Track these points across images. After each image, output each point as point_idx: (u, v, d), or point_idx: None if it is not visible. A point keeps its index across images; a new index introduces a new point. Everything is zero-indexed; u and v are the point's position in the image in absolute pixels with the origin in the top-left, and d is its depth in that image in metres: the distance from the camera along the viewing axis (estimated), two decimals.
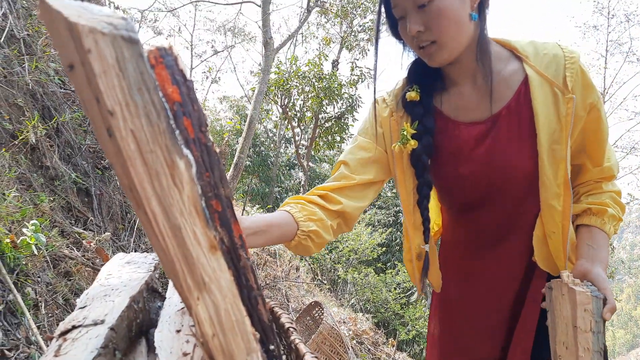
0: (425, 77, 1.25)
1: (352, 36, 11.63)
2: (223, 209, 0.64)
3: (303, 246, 1.16)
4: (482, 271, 1.37)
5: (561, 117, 1.10)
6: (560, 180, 1.14)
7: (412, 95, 1.23)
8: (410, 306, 9.88)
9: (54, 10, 0.42)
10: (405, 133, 1.22)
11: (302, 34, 14.05)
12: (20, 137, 2.81)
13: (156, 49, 0.56)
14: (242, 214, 6.91)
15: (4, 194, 2.24)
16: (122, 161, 0.47)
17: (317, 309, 3.51)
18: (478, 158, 1.19)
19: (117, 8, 6.58)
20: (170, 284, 0.75)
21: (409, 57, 1.27)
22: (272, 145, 14.74)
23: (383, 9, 1.16)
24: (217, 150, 0.67)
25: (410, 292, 10.42)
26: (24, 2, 3.98)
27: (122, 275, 0.74)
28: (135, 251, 3.47)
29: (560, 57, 1.12)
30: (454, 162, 1.23)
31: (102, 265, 2.61)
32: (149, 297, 0.65)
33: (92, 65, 0.43)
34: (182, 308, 0.62)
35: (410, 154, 1.25)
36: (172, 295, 0.66)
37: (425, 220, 1.32)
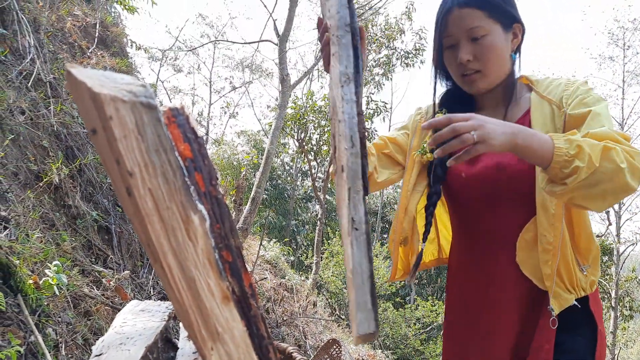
0: (455, 103, 1.39)
1: (367, 71, 11.83)
2: (233, 259, 0.65)
3: None
4: (479, 299, 1.34)
5: (557, 129, 1.21)
6: None
7: (439, 117, 1.36)
8: (431, 342, 9.65)
9: (78, 81, 0.46)
10: (425, 145, 1.36)
11: (318, 69, 14.33)
12: (45, 179, 2.90)
13: (169, 110, 0.59)
14: (259, 248, 6.93)
15: (27, 235, 2.29)
16: (140, 218, 0.50)
17: (334, 347, 3.46)
18: (485, 161, 1.31)
19: (139, 48, 6.81)
20: (181, 333, 0.76)
21: (441, 86, 1.45)
22: (288, 178, 14.84)
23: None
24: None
25: (430, 327, 10.19)
26: (51, 46, 4.16)
27: (136, 323, 0.76)
28: (154, 288, 3.49)
29: (562, 84, 1.27)
30: (465, 166, 1.35)
31: (121, 304, 2.64)
32: (164, 347, 0.66)
33: (113, 131, 0.46)
34: (196, 359, 0.63)
35: (427, 165, 1.41)
36: (185, 346, 0.67)
37: (428, 224, 1.43)
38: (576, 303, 1.20)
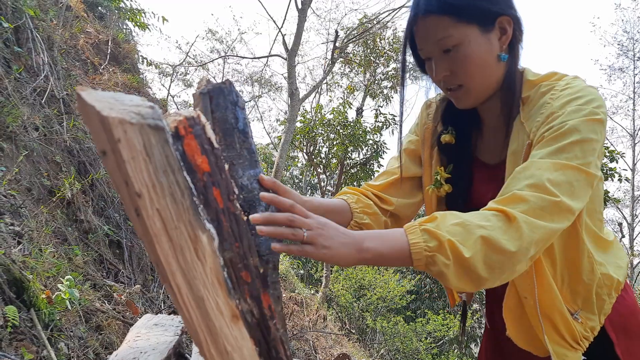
0: (461, 118, 1.21)
1: (375, 84, 11.87)
2: (252, 280, 0.65)
3: None
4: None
5: None
6: None
7: (447, 138, 1.20)
8: (443, 356, 9.53)
9: (88, 104, 0.47)
10: (439, 177, 1.20)
11: (326, 83, 14.41)
12: (58, 194, 2.93)
13: (185, 119, 0.57)
14: None
15: (41, 250, 2.32)
16: (149, 238, 0.50)
17: None
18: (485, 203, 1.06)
19: (151, 64, 6.91)
20: (194, 348, 0.76)
21: (438, 90, 1.22)
22: (298, 191, 14.86)
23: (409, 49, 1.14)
24: (245, 218, 0.68)
25: (441, 341, 10.06)
26: (64, 63, 4.23)
27: (150, 337, 0.76)
28: (164, 303, 3.49)
29: (545, 104, 1.03)
30: (470, 203, 1.17)
31: (132, 318, 2.64)
32: None
33: (121, 153, 0.47)
34: None
35: (446, 196, 1.22)
36: None
37: None
38: (585, 358, 1.04)
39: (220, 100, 0.80)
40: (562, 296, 1.04)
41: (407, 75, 1.21)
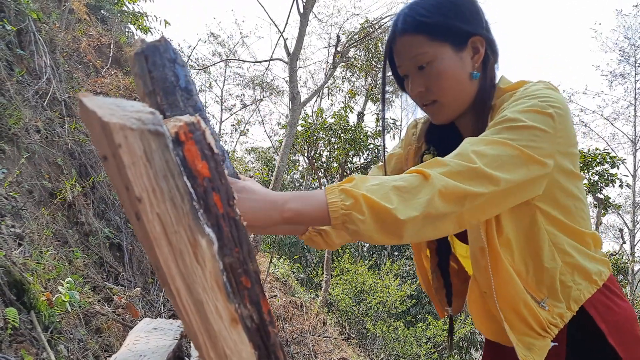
0: (443, 137, 1.24)
1: (376, 88, 11.90)
2: (252, 285, 0.65)
3: (313, 241, 1.20)
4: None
5: None
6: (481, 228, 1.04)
7: (429, 158, 1.23)
8: None
9: (89, 110, 0.47)
10: None
11: (327, 87, 14.45)
12: (59, 197, 2.94)
13: (185, 124, 0.58)
14: (269, 265, 6.91)
15: (41, 252, 2.32)
16: (149, 242, 0.51)
17: None
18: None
19: None
20: (193, 352, 0.77)
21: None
22: None
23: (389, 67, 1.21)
24: (245, 223, 0.68)
25: (441, 346, 10.04)
26: (66, 66, 4.25)
27: (149, 341, 0.77)
28: (164, 306, 3.49)
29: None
30: None
31: (132, 321, 2.64)
32: None
33: (122, 158, 0.47)
34: None
35: None
36: None
37: (447, 284, 1.31)
38: (555, 344, 1.05)
39: (156, 59, 0.78)
40: (528, 285, 1.06)
41: (388, 90, 1.24)
